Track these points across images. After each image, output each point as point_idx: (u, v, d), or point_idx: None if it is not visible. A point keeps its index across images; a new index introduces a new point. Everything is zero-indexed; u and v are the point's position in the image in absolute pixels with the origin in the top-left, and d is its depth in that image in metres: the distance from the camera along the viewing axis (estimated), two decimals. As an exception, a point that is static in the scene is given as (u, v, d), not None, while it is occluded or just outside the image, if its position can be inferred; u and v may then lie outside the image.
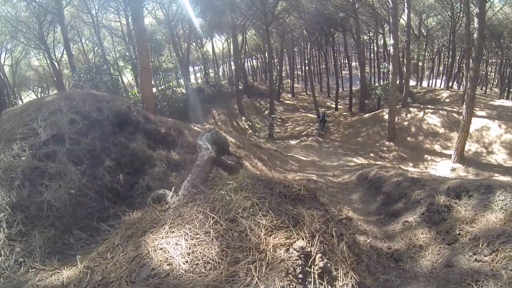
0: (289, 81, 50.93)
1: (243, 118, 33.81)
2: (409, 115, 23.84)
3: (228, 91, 38.81)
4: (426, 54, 38.95)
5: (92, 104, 5.26)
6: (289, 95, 45.99)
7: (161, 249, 1.77)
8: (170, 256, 1.69)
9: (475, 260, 3.05)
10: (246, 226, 1.84)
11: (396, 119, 22.25)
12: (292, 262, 1.66)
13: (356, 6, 27.98)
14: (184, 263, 1.63)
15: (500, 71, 37.79)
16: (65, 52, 29.21)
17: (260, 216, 1.97)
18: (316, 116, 32.32)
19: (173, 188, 3.04)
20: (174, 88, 33.98)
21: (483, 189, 3.93)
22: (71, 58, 27.71)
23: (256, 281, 1.48)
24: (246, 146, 11.68)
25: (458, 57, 35.94)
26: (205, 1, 27.33)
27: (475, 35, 14.24)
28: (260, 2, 26.54)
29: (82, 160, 4.34)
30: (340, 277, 1.83)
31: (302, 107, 40.97)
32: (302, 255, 1.73)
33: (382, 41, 38.20)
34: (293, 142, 26.98)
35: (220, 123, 32.85)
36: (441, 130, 21.71)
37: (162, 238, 1.83)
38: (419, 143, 21.54)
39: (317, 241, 1.92)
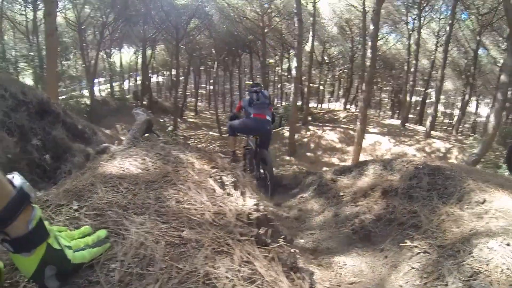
0: (193, 99, 50.98)
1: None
2: (308, 133, 25.29)
3: (132, 106, 37.37)
4: (327, 79, 42.33)
5: (17, 87, 5.37)
6: (192, 113, 45.96)
7: (116, 166, 2.30)
8: (125, 167, 2.24)
9: (354, 205, 4.04)
10: (179, 155, 2.48)
11: (296, 136, 23.57)
12: (214, 172, 2.33)
13: (266, 30, 29.51)
14: (136, 169, 2.19)
15: (392, 97, 43.12)
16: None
17: (187, 153, 2.61)
18: (218, 134, 33.30)
19: (115, 142, 3.49)
20: (78, 99, 31.92)
21: (360, 164, 5.05)
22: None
23: (192, 174, 2.12)
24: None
25: (356, 83, 39.94)
26: (120, 9, 26.50)
27: (368, 63, 16.79)
28: (174, 16, 26.95)
29: (13, 133, 4.47)
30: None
31: (204, 125, 41.16)
32: (218, 173, 2.42)
33: (287, 65, 40.73)
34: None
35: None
36: (339, 145, 23.75)
37: (118, 163, 2.36)
38: (318, 157, 23.09)
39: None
